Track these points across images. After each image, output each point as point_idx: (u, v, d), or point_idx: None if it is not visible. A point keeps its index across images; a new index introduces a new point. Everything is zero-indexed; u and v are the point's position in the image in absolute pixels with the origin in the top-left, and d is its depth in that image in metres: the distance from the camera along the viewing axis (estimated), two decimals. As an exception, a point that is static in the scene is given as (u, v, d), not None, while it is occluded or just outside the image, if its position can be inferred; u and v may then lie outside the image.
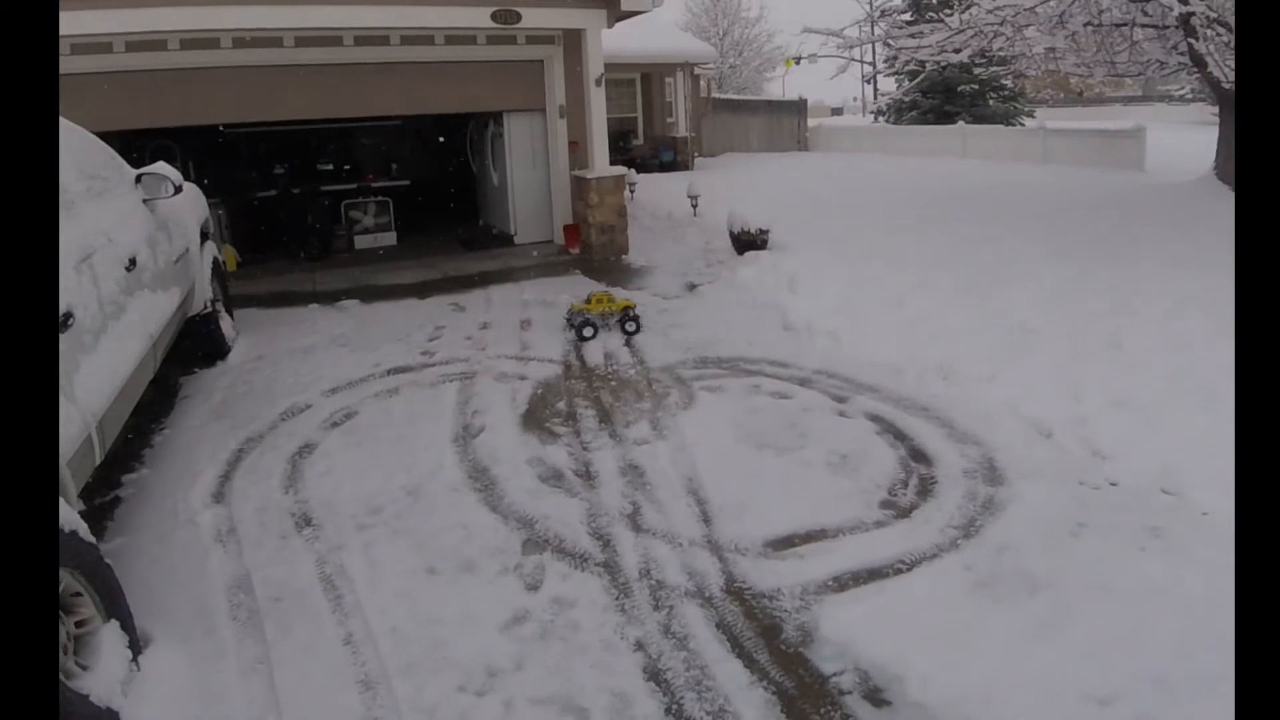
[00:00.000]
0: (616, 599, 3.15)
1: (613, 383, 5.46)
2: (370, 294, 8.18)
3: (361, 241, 10.67)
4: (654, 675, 2.75)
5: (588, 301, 6.61)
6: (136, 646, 2.66)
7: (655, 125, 19.02)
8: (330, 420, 4.95)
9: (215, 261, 6.26)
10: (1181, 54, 10.47)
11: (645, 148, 18.66)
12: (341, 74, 8.76)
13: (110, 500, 4.03)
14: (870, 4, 18.49)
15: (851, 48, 13.01)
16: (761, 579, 3.23)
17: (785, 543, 3.48)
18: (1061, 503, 3.70)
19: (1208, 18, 8.92)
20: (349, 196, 10.84)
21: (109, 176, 4.43)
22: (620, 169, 9.99)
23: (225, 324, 6.33)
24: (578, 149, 9.89)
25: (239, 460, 4.46)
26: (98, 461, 3.29)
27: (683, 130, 19.31)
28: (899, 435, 4.51)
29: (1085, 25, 10.18)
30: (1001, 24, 10.22)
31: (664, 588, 3.21)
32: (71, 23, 6.37)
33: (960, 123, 20.80)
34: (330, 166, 11.08)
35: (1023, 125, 22.15)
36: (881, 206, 11.77)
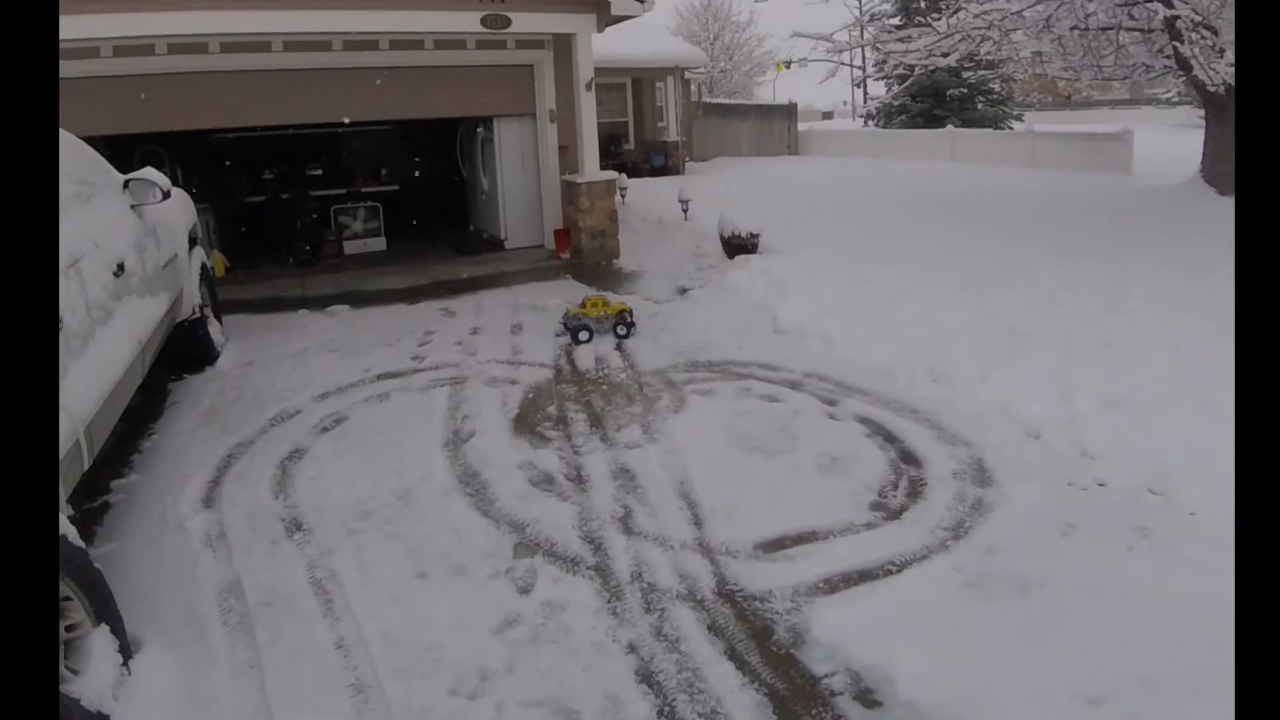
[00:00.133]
0: (608, 602, 3.15)
1: (604, 387, 5.47)
2: (360, 299, 8.16)
3: (351, 247, 10.65)
4: (646, 678, 2.75)
5: (582, 306, 6.61)
6: (127, 651, 2.65)
7: (646, 130, 19.05)
8: (320, 425, 4.94)
9: (203, 267, 6.25)
10: (1167, 57, 10.56)
11: (636, 152, 18.68)
12: (330, 79, 8.75)
13: (99, 505, 4.01)
14: (860, 8, 18.56)
15: (841, 52, 13.08)
16: (753, 581, 3.24)
17: (776, 545, 3.49)
18: (1051, 503, 3.72)
19: (1193, 21, 9.00)
20: (338, 201, 10.81)
21: (96, 182, 4.41)
22: (611, 174, 9.99)
23: (214, 329, 6.31)
24: (568, 153, 9.90)
25: (229, 465, 4.45)
26: (86, 467, 3.27)
27: (674, 135, 19.35)
28: (889, 437, 4.52)
29: (1072, 29, 10.26)
30: (989, 28, 10.29)
31: (656, 590, 3.21)
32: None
33: (949, 126, 20.91)
34: (319, 171, 11.03)
35: (1011, 129, 22.32)
36: (871, 210, 11.82)
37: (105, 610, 2.58)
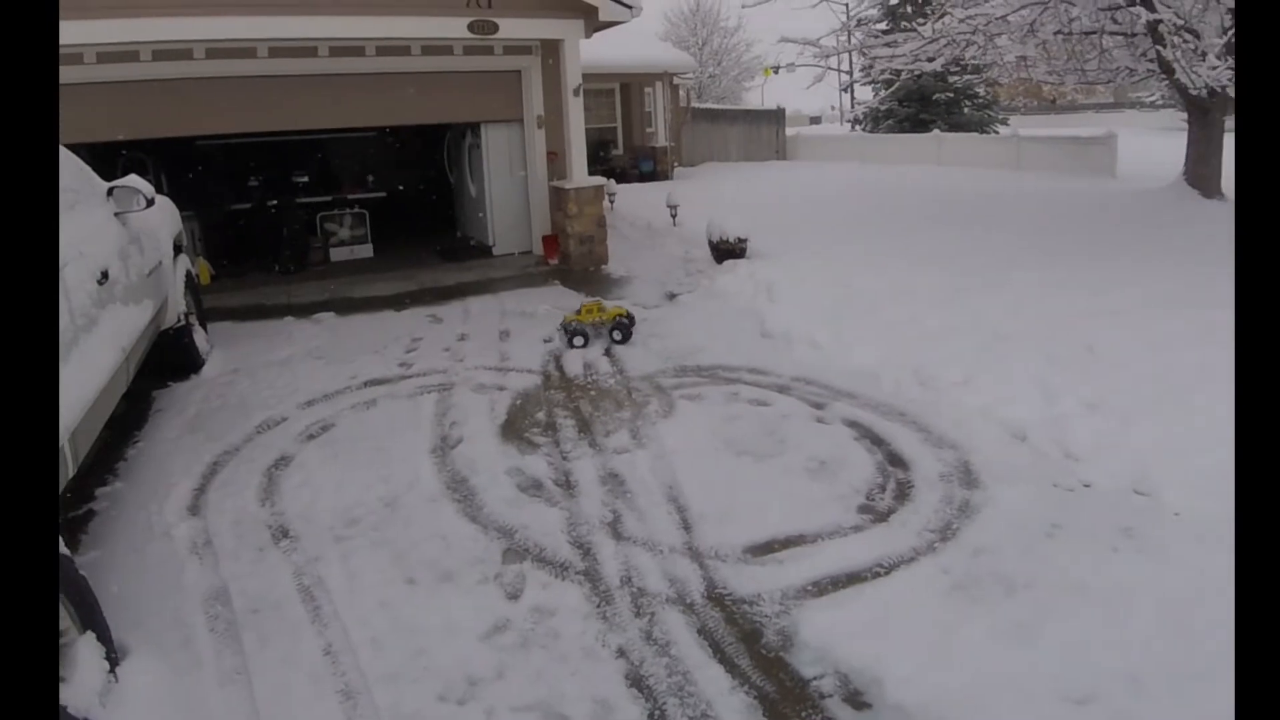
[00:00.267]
0: (598, 607, 3.15)
1: (592, 392, 5.47)
2: (346, 306, 8.14)
3: (337, 254, 10.61)
4: (636, 682, 2.75)
5: (578, 312, 6.62)
6: (114, 658, 2.64)
7: (634, 135, 19.07)
8: (306, 433, 4.92)
9: (188, 274, 6.22)
10: (1150, 61, 10.64)
11: (625, 158, 18.71)
12: (317, 85, 8.71)
13: (84, 513, 3.98)
14: (846, 13, 18.65)
15: (828, 57, 13.13)
16: (742, 585, 3.24)
17: (765, 548, 3.49)
18: (1037, 505, 3.73)
19: (1175, 25, 9.08)
20: (325, 208, 10.78)
21: (79, 189, 4.39)
22: (599, 179, 10.00)
23: (199, 337, 6.28)
24: (556, 159, 9.90)
25: (214, 473, 4.43)
26: (70, 474, 3.26)
27: (662, 140, 19.38)
28: (876, 440, 4.54)
29: (1056, 34, 10.33)
30: (974, 33, 10.35)
31: (645, 595, 3.21)
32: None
33: (935, 131, 21.02)
34: (306, 178, 11.00)
35: (997, 133, 22.45)
36: (859, 215, 11.87)
37: (91, 617, 2.57)
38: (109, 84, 7.69)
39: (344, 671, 2.82)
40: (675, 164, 19.87)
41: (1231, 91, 9.70)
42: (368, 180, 11.63)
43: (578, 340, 6.38)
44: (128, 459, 4.65)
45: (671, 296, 8.02)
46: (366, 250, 10.78)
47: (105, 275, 4.09)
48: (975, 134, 21.50)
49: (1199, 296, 6.00)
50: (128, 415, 5.18)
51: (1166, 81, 11.01)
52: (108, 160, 8.32)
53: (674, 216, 11.13)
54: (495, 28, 8.67)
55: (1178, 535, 3.41)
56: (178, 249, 6.13)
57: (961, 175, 16.57)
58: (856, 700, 2.63)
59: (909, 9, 21.08)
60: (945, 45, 10.85)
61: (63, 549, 2.50)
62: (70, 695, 2.36)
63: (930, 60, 11.26)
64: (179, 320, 5.77)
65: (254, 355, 6.50)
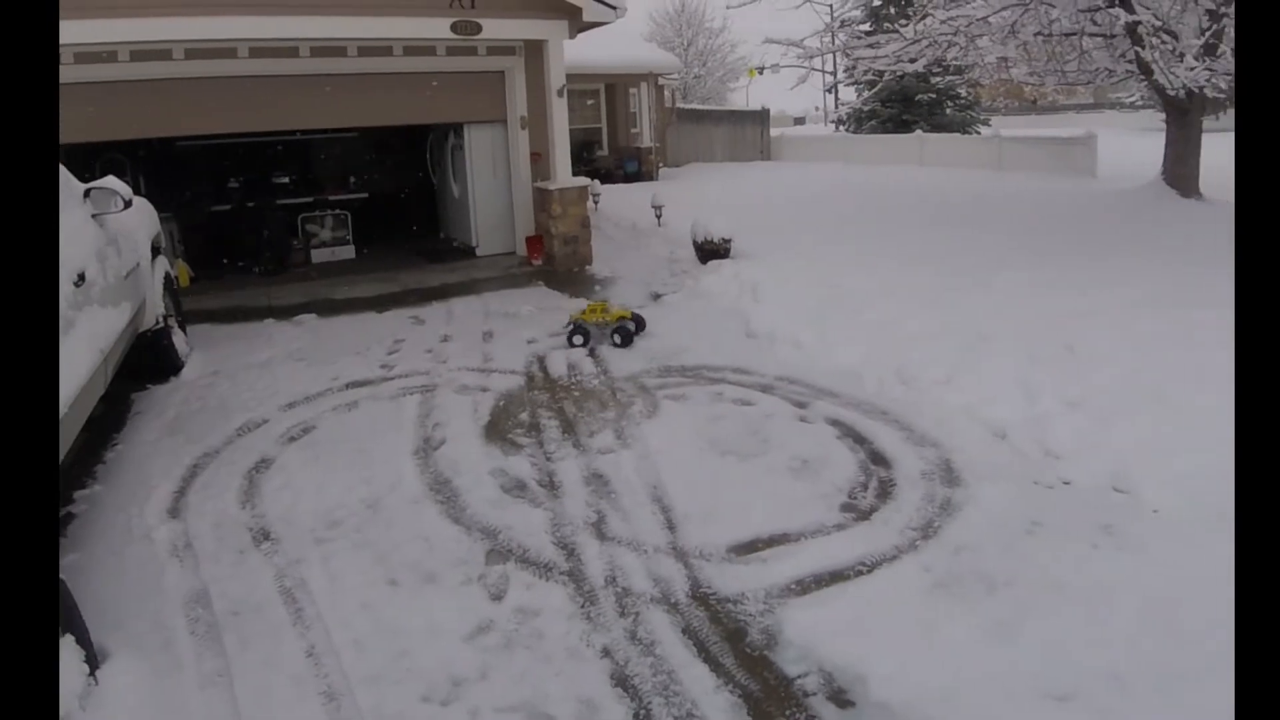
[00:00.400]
0: (582, 607, 3.15)
1: (576, 393, 5.46)
2: (328, 308, 8.09)
3: (319, 255, 10.55)
4: (621, 681, 2.74)
5: (583, 313, 6.62)
6: (93, 661, 2.63)
7: (619, 136, 19.06)
8: (287, 435, 4.89)
9: (167, 276, 6.16)
10: (1129, 62, 10.74)
11: (610, 158, 18.69)
12: (298, 86, 8.65)
13: (63, 516, 3.94)
14: (830, 14, 18.70)
15: (812, 58, 13.18)
16: (726, 584, 3.25)
17: (749, 547, 3.50)
18: (1017, 503, 3.76)
19: (1153, 26, 9.16)
20: (306, 210, 10.71)
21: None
22: (583, 180, 9.98)
23: (178, 339, 6.22)
24: (540, 160, 9.88)
25: (194, 476, 4.39)
26: (48, 478, 3.22)
27: (647, 141, 19.37)
28: (859, 439, 4.55)
29: (1036, 35, 10.41)
30: (955, 34, 10.41)
31: (629, 595, 3.21)
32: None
33: (918, 131, 21.12)
34: (286, 179, 10.92)
35: (978, 133, 22.58)
36: (843, 215, 11.90)
37: (70, 620, 2.55)
38: (86, 84, 7.58)
39: (326, 673, 2.80)
40: (660, 165, 19.88)
41: (1209, 92, 9.81)
42: (350, 181, 11.56)
43: (576, 339, 6.37)
44: (106, 462, 4.61)
45: (656, 297, 8.02)
46: (348, 252, 10.73)
47: (82, 277, 4.05)
48: (957, 134, 21.62)
49: (1182, 296, 6.05)
50: (106, 418, 5.14)
51: (1145, 82, 11.11)
52: (85, 161, 8.26)
53: (659, 217, 11.13)
54: (478, 28, 8.65)
55: (1156, 532, 3.45)
56: (156, 251, 6.08)
57: (944, 175, 16.66)
58: (840, 698, 2.64)
59: (892, 10, 21.20)
60: (927, 46, 10.91)
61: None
62: (49, 699, 2.34)
63: (913, 61, 11.32)
64: (157, 322, 5.72)
65: (234, 357, 6.45)
